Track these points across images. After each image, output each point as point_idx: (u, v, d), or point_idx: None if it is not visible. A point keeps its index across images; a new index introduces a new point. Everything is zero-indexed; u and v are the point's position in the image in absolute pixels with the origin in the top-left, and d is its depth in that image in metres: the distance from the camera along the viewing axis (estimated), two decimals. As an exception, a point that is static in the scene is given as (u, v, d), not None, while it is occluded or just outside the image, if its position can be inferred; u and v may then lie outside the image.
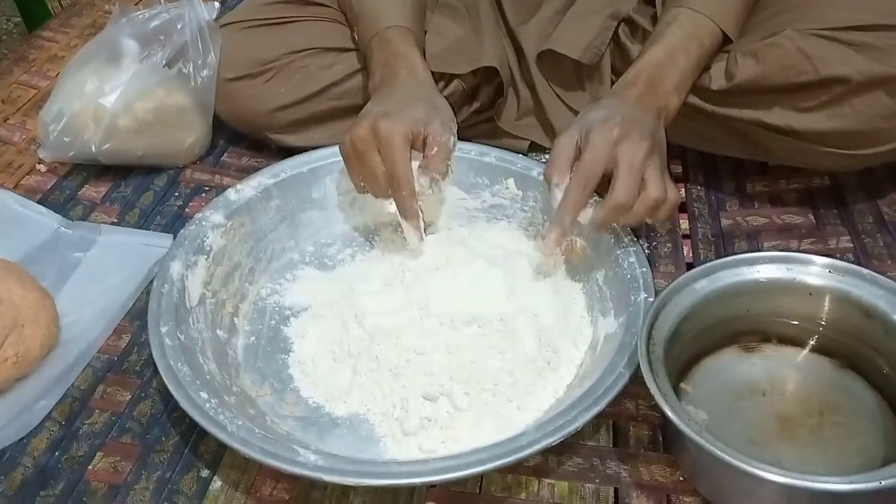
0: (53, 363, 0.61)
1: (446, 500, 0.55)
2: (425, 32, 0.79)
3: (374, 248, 0.76)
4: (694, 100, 0.72)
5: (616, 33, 0.79)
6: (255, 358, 0.65)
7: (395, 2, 0.75)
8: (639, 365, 0.53)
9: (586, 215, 0.63)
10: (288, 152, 0.80)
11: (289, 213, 0.75)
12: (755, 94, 0.70)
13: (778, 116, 0.70)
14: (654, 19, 0.77)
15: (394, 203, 0.67)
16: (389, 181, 0.65)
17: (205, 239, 0.68)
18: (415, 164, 0.66)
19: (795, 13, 0.69)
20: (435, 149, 0.65)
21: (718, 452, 0.47)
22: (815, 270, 0.58)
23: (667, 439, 0.58)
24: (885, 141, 0.69)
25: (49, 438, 0.58)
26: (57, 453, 0.57)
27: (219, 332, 0.65)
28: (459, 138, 0.79)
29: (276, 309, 0.70)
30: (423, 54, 0.76)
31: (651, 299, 0.60)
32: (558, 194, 0.63)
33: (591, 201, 0.63)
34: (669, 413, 0.49)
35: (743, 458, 0.47)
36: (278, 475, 0.56)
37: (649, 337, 0.54)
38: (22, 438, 0.58)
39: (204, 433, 0.58)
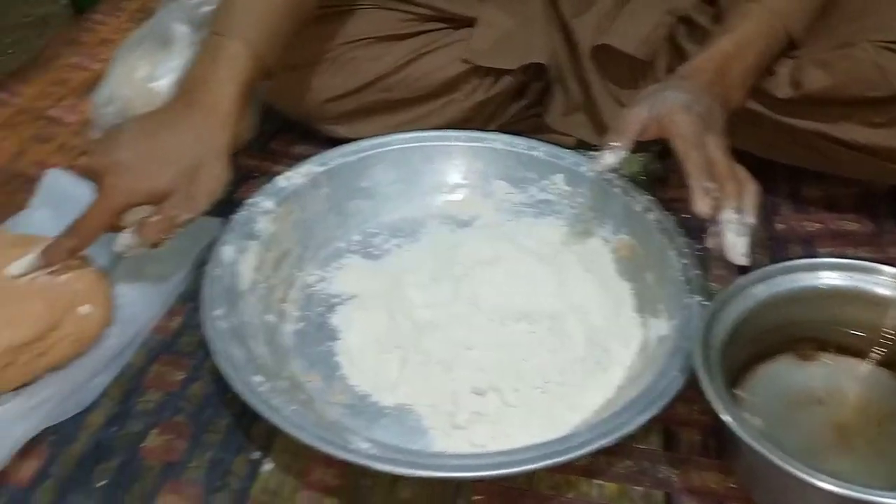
0: (109, 342, 0.62)
1: (495, 495, 0.55)
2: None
3: (420, 240, 0.76)
4: (757, 106, 0.71)
5: (673, 33, 0.78)
6: (303, 344, 0.65)
7: (257, 11, 0.63)
8: (693, 369, 0.53)
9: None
10: (336, 141, 0.80)
11: (337, 202, 0.75)
12: (822, 105, 0.69)
13: (845, 130, 0.69)
14: (716, 19, 0.76)
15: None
16: (72, 229, 0.59)
17: (255, 224, 0.68)
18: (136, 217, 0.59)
19: (867, 21, 0.67)
20: (157, 217, 0.58)
21: (777, 460, 0.47)
22: (881, 280, 0.57)
23: (720, 445, 0.57)
24: None
25: (105, 414, 0.59)
26: (113, 429, 0.58)
27: (268, 316, 0.65)
28: (505, 131, 0.78)
29: (324, 297, 0.70)
30: (265, 72, 0.65)
31: (706, 303, 0.60)
32: (610, 158, 0.60)
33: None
34: (728, 419, 0.48)
35: (803, 466, 0.46)
36: (329, 461, 0.56)
37: (705, 341, 0.54)
38: (79, 413, 0.59)
39: (256, 416, 0.58)
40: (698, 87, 0.63)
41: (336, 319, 0.68)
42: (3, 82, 0.91)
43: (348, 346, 0.65)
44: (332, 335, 0.66)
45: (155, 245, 0.59)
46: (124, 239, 0.59)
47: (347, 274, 0.72)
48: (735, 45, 0.66)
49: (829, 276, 0.58)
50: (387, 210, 0.78)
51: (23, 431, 0.55)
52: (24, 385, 0.58)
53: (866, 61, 0.66)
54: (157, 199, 0.58)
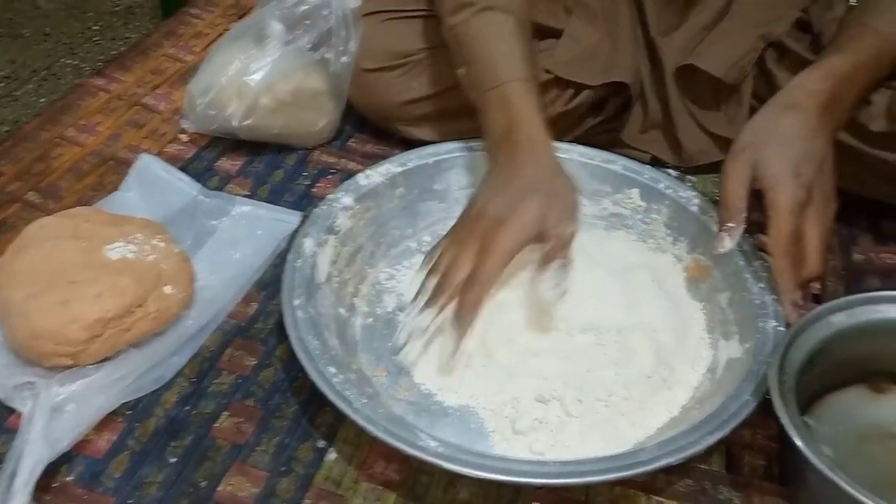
0: (187, 322, 0.65)
1: (553, 502, 0.55)
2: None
3: (490, 245, 0.77)
4: (846, 137, 0.69)
5: (762, 58, 0.77)
6: (371, 339, 0.67)
7: (515, 47, 0.69)
8: (764, 394, 0.52)
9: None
10: (411, 143, 0.81)
11: (410, 203, 0.77)
12: None
13: None
14: (812, 47, 0.74)
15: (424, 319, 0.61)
16: (469, 282, 0.59)
17: (335, 219, 0.70)
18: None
19: None
20: (552, 241, 0.61)
21: (851, 490, 0.46)
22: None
23: (784, 472, 0.56)
24: None
25: (180, 393, 0.61)
26: (187, 408, 0.60)
27: (341, 310, 0.67)
28: (582, 145, 0.79)
29: (393, 294, 0.71)
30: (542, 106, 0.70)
31: (781, 328, 0.59)
32: (728, 243, 0.61)
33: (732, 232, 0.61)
34: (801, 445, 0.48)
35: (877, 498, 0.45)
36: (389, 455, 0.57)
37: (782, 366, 0.53)
38: (156, 390, 0.61)
39: (322, 405, 0.60)
40: (810, 123, 0.61)
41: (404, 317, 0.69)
42: (102, 69, 0.96)
43: (415, 344, 0.66)
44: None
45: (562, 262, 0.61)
46: (548, 284, 0.61)
47: (417, 274, 0.73)
48: (851, 65, 0.63)
49: (912, 310, 0.56)
50: (457, 213, 0.77)
51: (103, 404, 0.58)
52: (107, 359, 0.61)
53: None
54: (539, 229, 0.61)
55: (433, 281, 0.62)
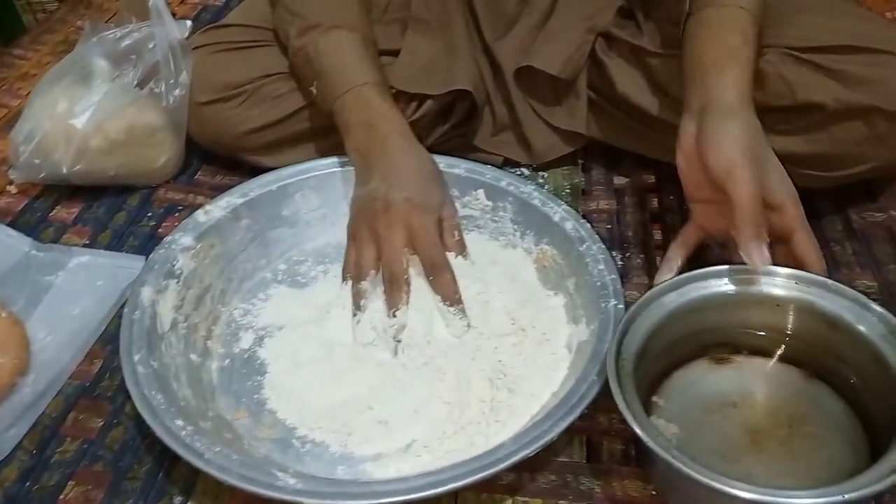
0: (24, 391, 0.61)
1: (421, 518, 0.55)
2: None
3: (347, 264, 0.76)
4: (671, 116, 0.72)
5: (593, 48, 0.80)
6: (229, 381, 0.65)
7: (364, 58, 0.74)
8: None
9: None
10: (262, 171, 0.79)
11: (259, 232, 0.75)
12: None
13: None
14: (635, 32, 0.77)
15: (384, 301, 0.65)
16: (430, 270, 0.65)
17: (175, 262, 0.68)
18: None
19: (775, 30, 0.69)
20: (456, 234, 0.69)
21: (686, 469, 0.48)
22: (780, 282, 0.59)
23: (639, 453, 0.58)
24: (858, 163, 0.70)
25: (20, 468, 0.58)
26: (28, 483, 0.57)
27: (192, 356, 0.64)
28: (434, 153, 0.79)
29: (250, 330, 0.69)
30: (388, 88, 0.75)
31: (621, 306, 0.61)
32: (666, 272, 0.65)
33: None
34: (638, 430, 0.49)
35: (711, 474, 0.47)
36: (250, 499, 0.56)
37: (618, 351, 0.55)
38: (-9, 469, 0.57)
39: (177, 459, 0.58)
40: (753, 124, 0.62)
41: (264, 352, 0.67)
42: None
43: (276, 378, 0.65)
44: (259, 369, 0.65)
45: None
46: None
47: (274, 304, 0.72)
48: (753, 51, 0.65)
49: (735, 282, 0.59)
50: (311, 236, 0.77)
51: (-68, 492, 0.54)
52: (-67, 442, 0.57)
53: (771, 73, 0.68)
54: (442, 211, 0.69)
55: (367, 284, 0.66)
